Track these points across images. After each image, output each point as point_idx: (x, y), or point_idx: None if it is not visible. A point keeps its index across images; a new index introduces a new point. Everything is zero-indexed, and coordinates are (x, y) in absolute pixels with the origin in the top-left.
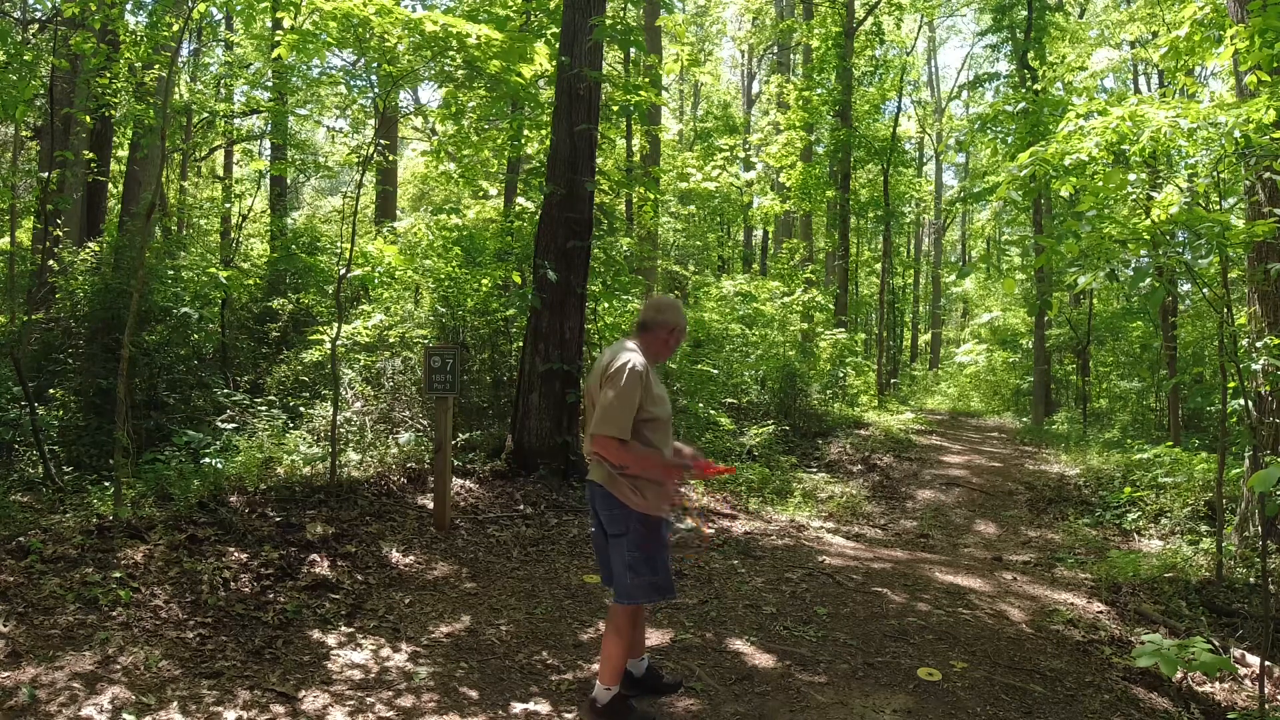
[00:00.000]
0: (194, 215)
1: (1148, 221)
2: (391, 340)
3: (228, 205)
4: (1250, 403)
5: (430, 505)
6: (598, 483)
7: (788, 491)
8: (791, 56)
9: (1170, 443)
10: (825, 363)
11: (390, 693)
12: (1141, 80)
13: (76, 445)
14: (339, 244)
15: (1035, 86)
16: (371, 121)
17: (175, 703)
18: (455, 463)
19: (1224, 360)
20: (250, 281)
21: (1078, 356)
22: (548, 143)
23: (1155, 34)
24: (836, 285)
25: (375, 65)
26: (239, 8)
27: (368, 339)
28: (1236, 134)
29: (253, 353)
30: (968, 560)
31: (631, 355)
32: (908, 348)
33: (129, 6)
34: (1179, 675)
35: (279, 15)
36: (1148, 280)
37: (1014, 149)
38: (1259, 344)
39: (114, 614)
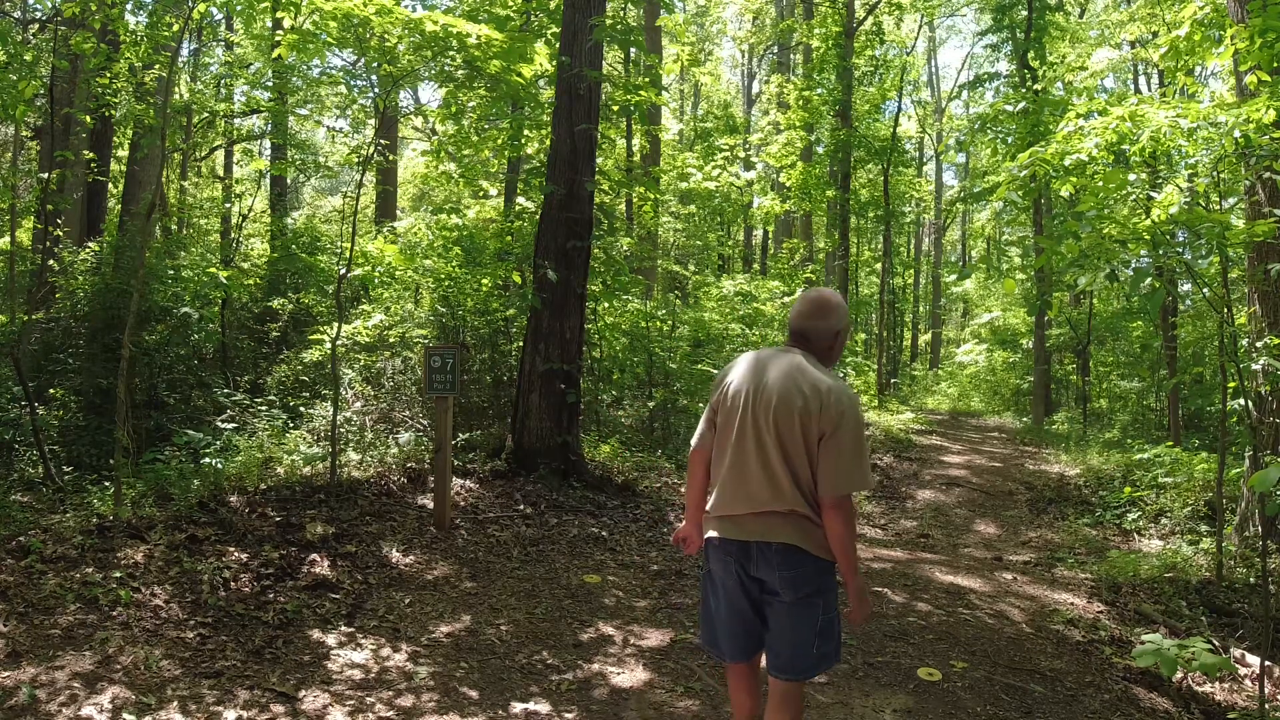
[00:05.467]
0: (194, 215)
1: (1148, 221)
2: (391, 340)
3: (228, 205)
4: (1250, 403)
5: (430, 505)
6: (783, 542)
7: None
8: (791, 56)
9: (1170, 443)
10: None
11: (390, 692)
12: (1141, 80)
13: (76, 445)
14: (339, 244)
15: (1035, 86)
16: (371, 121)
17: (175, 703)
18: (455, 463)
19: (1224, 360)
20: (250, 281)
21: (1078, 356)
22: (548, 143)
23: (1155, 34)
24: (837, 285)
25: (375, 65)
26: (239, 8)
27: (368, 339)
28: (1236, 134)
29: (253, 353)
30: (968, 560)
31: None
32: (908, 348)
33: (129, 6)
34: (1179, 675)
35: (279, 15)
36: (1148, 280)
37: (1014, 149)
38: (1259, 344)
39: (114, 614)
